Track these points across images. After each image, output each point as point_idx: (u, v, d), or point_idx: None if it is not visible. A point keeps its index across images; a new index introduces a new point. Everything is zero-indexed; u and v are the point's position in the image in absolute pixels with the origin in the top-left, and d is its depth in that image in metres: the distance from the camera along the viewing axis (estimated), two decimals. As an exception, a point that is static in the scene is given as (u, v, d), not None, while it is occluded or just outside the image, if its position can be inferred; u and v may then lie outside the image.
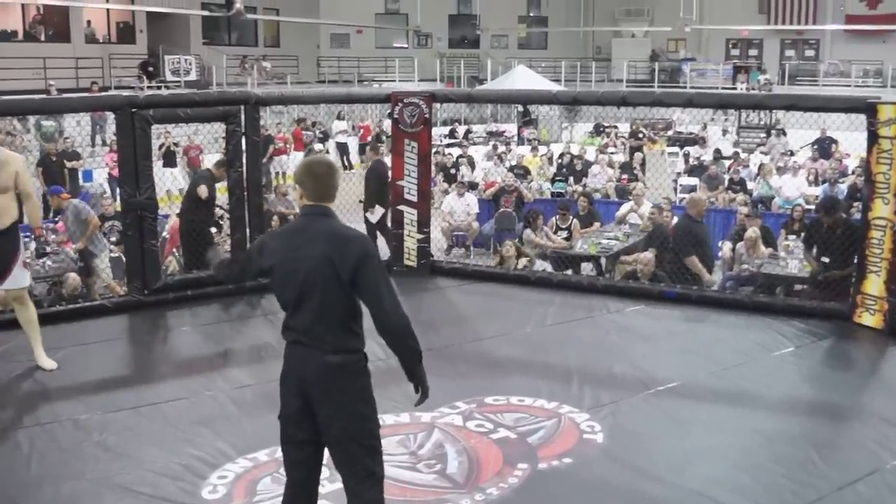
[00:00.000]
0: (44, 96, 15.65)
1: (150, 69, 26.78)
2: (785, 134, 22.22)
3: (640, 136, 22.07)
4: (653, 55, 35.38)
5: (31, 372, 6.48)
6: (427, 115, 9.41)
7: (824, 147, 20.15)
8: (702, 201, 10.60)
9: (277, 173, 19.81)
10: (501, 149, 20.21)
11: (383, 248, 10.01)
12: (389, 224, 10.14)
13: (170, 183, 17.70)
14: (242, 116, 8.54)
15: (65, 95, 15.63)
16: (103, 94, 18.46)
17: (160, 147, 17.71)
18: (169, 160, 18.02)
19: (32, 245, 8.47)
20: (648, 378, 6.43)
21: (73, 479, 4.86)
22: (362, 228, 11.60)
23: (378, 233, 11.20)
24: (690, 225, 10.03)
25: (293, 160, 19.82)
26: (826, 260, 8.47)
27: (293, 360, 3.78)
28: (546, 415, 5.78)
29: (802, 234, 9.80)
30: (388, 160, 10.47)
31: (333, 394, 3.72)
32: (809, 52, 34.02)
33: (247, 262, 4.24)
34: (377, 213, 11.31)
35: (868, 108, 7.54)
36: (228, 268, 4.64)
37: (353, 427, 3.75)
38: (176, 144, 18.37)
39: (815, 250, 8.70)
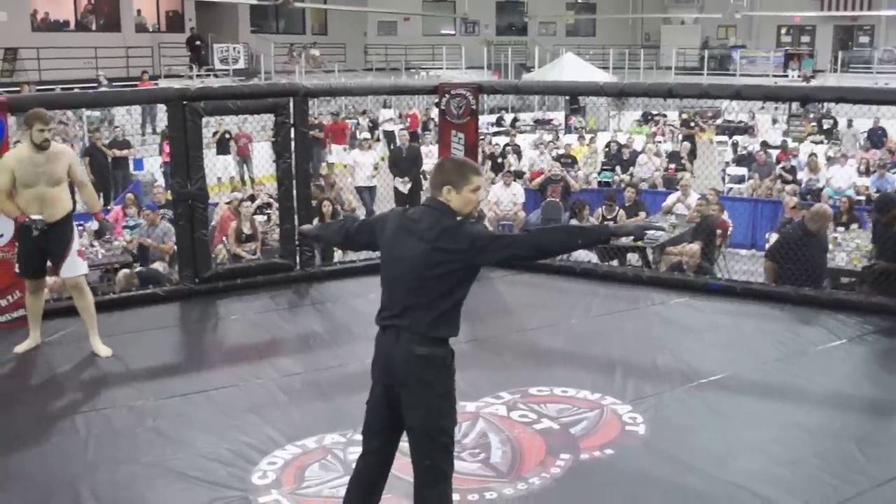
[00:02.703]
0: (98, 89, 15.96)
1: (198, 43, 27.00)
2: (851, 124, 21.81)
3: (692, 125, 21.95)
4: (704, 44, 35.04)
5: (87, 358, 6.65)
6: (474, 107, 9.47)
7: (877, 136, 19.92)
8: (826, 216, 9.00)
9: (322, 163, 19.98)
10: (548, 138, 20.22)
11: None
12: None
13: (221, 171, 17.98)
14: (291, 108, 8.66)
15: (118, 88, 15.94)
16: (155, 87, 18.77)
17: (214, 134, 17.96)
18: (222, 148, 18.27)
19: (95, 225, 8.62)
20: (691, 370, 6.45)
21: (128, 463, 5.00)
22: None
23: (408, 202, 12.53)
24: (801, 237, 8.61)
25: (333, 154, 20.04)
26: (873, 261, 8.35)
27: (381, 346, 3.84)
28: (589, 406, 5.83)
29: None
30: (433, 149, 10.62)
31: (415, 385, 3.73)
32: (864, 39, 33.48)
33: (357, 230, 4.29)
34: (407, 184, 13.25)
35: (918, 101, 7.47)
36: (336, 232, 4.57)
37: (430, 422, 3.75)
38: (228, 133, 18.58)
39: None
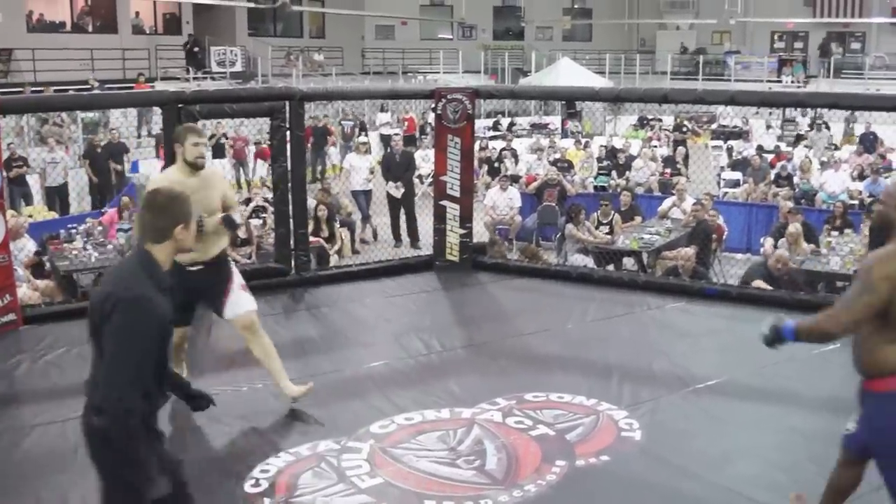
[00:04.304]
0: (92, 92, 15.92)
1: (195, 49, 27.00)
2: (828, 128, 22.03)
3: (684, 129, 21.98)
4: (683, 49, 35.18)
5: (76, 363, 6.60)
6: (470, 111, 9.46)
7: (869, 141, 19.97)
8: None
9: (331, 165, 20.01)
10: (545, 142, 20.22)
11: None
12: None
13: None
14: (287, 112, 8.65)
15: (112, 91, 15.91)
16: (151, 90, 18.74)
17: (210, 137, 17.94)
18: (218, 151, 18.26)
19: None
20: (688, 375, 6.45)
21: (121, 469, 4.98)
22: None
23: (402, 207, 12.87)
24: None
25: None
26: None
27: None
28: (585, 412, 5.82)
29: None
30: (430, 153, 10.67)
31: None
32: (855, 46, 33.61)
33: None
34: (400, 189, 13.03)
35: (912, 107, 7.49)
36: None
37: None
38: (225, 136, 18.57)
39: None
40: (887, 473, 3.80)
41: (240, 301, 5.80)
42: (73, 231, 10.96)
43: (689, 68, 34.02)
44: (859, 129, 22.14)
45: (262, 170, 17.80)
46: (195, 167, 5.64)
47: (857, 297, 3.59)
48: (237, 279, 5.86)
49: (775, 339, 3.90)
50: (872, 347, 3.66)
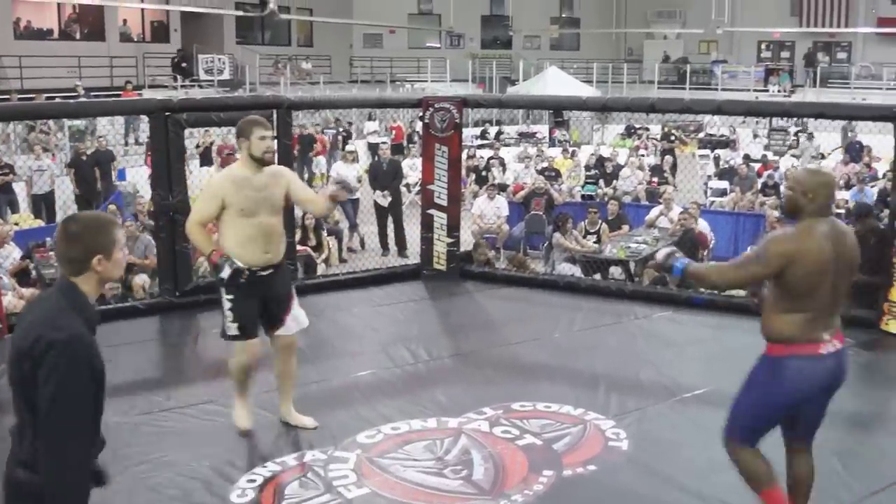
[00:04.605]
0: (80, 100, 15.87)
1: (184, 65, 26.99)
2: (811, 137, 22.12)
3: (672, 138, 22.05)
4: (665, 58, 35.36)
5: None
6: (458, 120, 9.47)
7: (855, 150, 20.06)
8: None
9: (314, 174, 19.95)
10: (532, 151, 20.25)
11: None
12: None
13: (205, 182, 17.86)
14: (275, 120, 8.62)
15: (101, 98, 15.85)
16: (138, 98, 18.70)
17: (197, 146, 17.90)
18: (207, 159, 18.20)
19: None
20: (675, 385, 6.45)
21: (105, 480, 4.95)
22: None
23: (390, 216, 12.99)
24: None
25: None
26: None
27: None
28: (572, 421, 5.82)
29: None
30: (417, 162, 10.69)
31: None
32: (841, 55, 33.81)
33: None
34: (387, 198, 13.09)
35: None
36: None
37: None
38: (212, 143, 18.52)
39: None
40: (738, 412, 4.32)
41: (298, 317, 5.45)
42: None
43: (676, 77, 34.16)
44: (874, 139, 21.97)
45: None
46: (263, 163, 5.21)
47: (750, 263, 4.03)
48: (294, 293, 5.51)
49: (666, 267, 4.35)
50: (770, 315, 4.06)
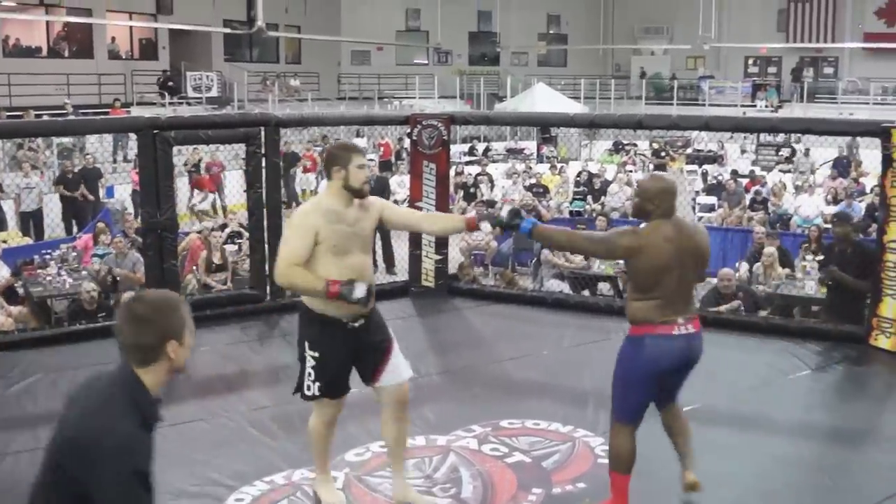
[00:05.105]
0: (68, 117, 15.85)
1: (170, 84, 26.99)
2: (808, 153, 22.23)
3: (663, 154, 22.13)
4: (641, 73, 35.52)
5: (50, 391, 6.56)
6: (445, 137, 9.48)
7: (842, 166, 20.16)
8: None
9: (304, 190, 19.97)
10: (520, 167, 20.29)
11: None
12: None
13: (194, 199, 17.91)
14: (262, 138, 8.63)
15: (88, 117, 15.82)
16: (126, 115, 18.68)
17: (185, 163, 17.91)
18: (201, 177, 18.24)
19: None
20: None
21: (93, 499, 4.91)
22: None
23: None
24: None
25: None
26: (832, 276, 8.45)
27: None
28: (561, 439, 5.81)
29: (819, 257, 9.79)
30: (405, 179, 10.70)
31: None
32: (828, 70, 34.01)
33: None
34: None
35: (883, 133, 7.56)
36: None
37: None
38: (200, 160, 18.54)
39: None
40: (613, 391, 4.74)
41: (400, 366, 4.72)
42: (48, 257, 10.90)
43: (664, 93, 34.30)
44: (863, 154, 22.00)
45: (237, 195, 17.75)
46: (360, 195, 4.60)
47: (599, 242, 4.73)
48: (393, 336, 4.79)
49: (511, 226, 4.70)
50: (630, 302, 4.64)
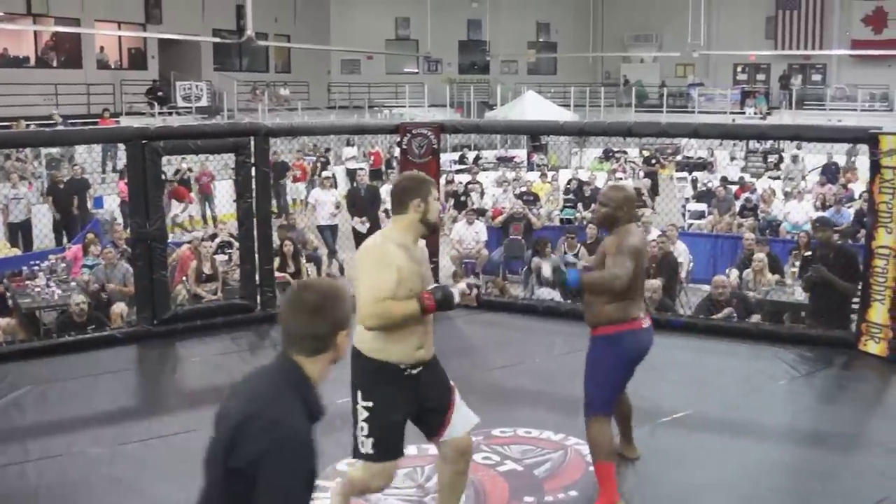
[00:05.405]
0: (56, 128, 15.81)
1: (160, 94, 26.96)
2: (797, 159, 22.28)
3: (653, 161, 22.17)
4: (625, 81, 35.61)
5: (38, 403, 6.53)
6: (435, 146, 9.48)
7: (831, 172, 20.23)
8: None
9: (294, 200, 19.96)
10: (511, 175, 20.31)
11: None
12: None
13: (173, 210, 17.86)
14: (252, 147, 8.62)
15: (76, 128, 15.76)
16: (115, 126, 18.63)
17: (175, 173, 17.88)
18: (184, 187, 18.18)
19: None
20: (654, 409, 6.44)
21: (82, 512, 4.90)
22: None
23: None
24: None
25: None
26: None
27: None
28: (553, 447, 5.81)
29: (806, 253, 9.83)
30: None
31: None
32: (816, 77, 34.15)
33: None
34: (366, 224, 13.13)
35: (871, 139, 7.59)
36: None
37: None
38: (190, 170, 18.51)
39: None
40: (586, 383, 5.02)
41: (466, 416, 4.34)
42: (36, 268, 10.85)
43: (653, 100, 34.39)
44: (862, 161, 22.10)
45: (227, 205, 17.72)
46: (434, 230, 4.28)
47: (625, 261, 4.73)
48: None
49: (560, 281, 4.94)
50: (597, 306, 4.87)
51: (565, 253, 12.10)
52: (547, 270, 4.86)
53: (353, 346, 4.08)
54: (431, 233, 4.24)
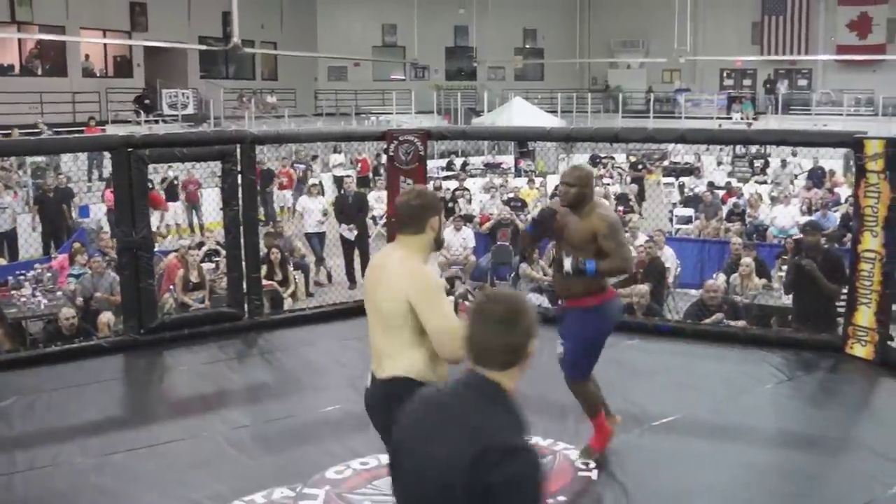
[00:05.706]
0: (41, 136, 15.77)
1: (147, 102, 26.90)
2: (785, 163, 22.41)
3: (640, 167, 22.22)
4: (605, 86, 35.69)
5: (25, 414, 6.50)
6: (422, 153, 9.48)
7: (817, 176, 20.32)
8: None
9: (282, 207, 19.93)
10: (498, 181, 20.32)
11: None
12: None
13: (170, 217, 17.83)
14: (238, 155, 8.59)
15: (63, 134, 15.71)
16: (100, 134, 18.58)
17: (162, 181, 17.84)
18: (171, 194, 18.13)
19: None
20: (643, 413, 6.44)
21: (70, 522, 4.87)
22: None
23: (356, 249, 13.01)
24: None
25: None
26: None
27: None
28: (541, 452, 5.78)
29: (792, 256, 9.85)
30: (383, 194, 10.71)
31: None
32: (802, 82, 34.33)
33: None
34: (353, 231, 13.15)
35: (855, 143, 7.62)
36: None
37: None
38: (176, 178, 18.48)
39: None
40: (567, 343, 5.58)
41: None
42: (22, 278, 10.80)
43: (640, 105, 34.51)
44: (807, 164, 22.44)
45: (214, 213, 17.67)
46: (441, 246, 4.09)
47: (622, 242, 5.31)
48: None
49: (579, 272, 5.27)
50: (586, 279, 5.27)
51: (553, 260, 12.08)
52: (568, 265, 5.32)
53: (398, 376, 3.82)
54: (439, 249, 4.07)
